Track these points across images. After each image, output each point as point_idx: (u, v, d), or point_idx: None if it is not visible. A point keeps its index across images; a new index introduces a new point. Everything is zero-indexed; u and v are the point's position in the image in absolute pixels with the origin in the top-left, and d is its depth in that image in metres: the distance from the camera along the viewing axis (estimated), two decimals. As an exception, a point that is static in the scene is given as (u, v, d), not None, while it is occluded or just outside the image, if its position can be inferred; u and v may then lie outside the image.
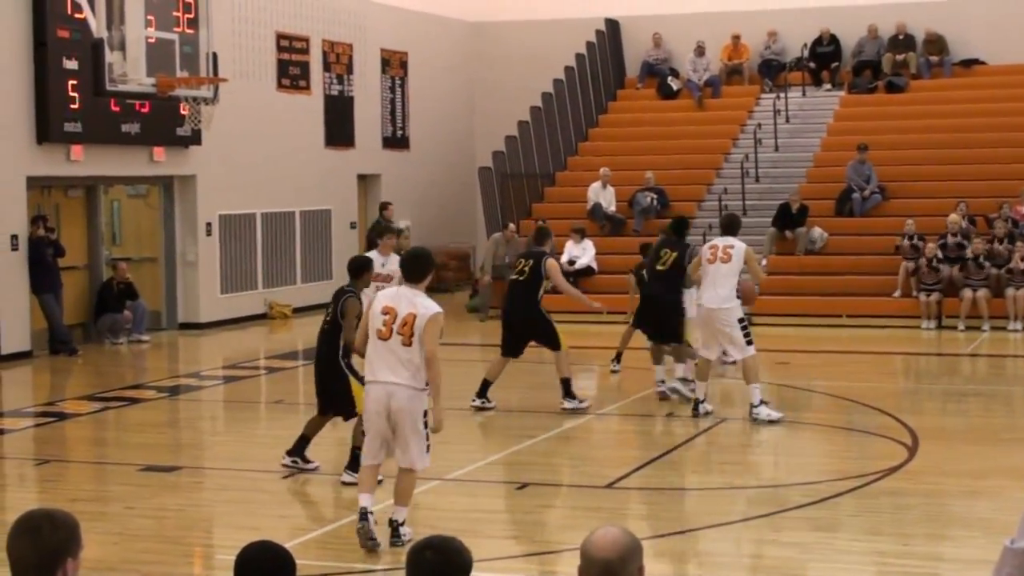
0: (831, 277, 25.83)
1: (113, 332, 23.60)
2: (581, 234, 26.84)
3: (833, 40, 32.02)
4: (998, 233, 25.09)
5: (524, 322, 16.39)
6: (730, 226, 15.83)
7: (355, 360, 12.14)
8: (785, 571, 10.26)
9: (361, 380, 11.33)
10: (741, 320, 15.22)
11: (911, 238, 25.37)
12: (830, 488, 12.34)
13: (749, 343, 15.19)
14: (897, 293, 25.06)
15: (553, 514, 11.94)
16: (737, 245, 15.35)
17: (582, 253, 26.94)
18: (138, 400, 18.04)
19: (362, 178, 30.49)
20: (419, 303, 10.15)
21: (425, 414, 10.25)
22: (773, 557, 10.59)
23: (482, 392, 16.59)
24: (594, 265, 26.82)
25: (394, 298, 10.28)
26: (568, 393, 16.33)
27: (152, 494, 12.38)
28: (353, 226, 29.94)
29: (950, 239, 25.10)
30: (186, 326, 25.29)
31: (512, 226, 27.89)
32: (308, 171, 28.26)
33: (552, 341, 16.30)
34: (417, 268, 10.41)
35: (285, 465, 13.16)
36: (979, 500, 11.99)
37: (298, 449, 13.19)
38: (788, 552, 10.61)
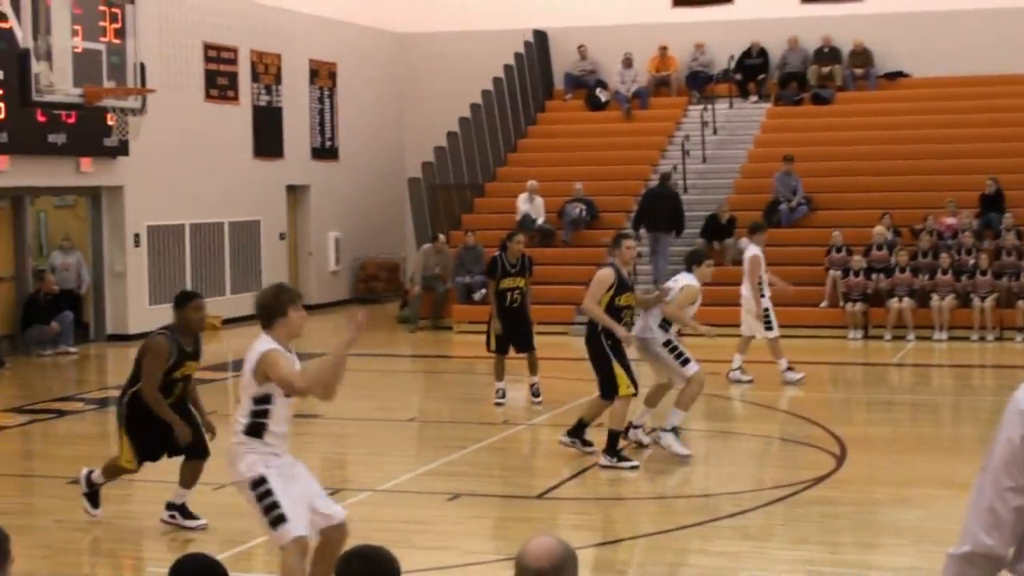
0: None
1: (40, 344, 23.37)
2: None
3: (762, 53, 32.18)
4: (922, 246, 25.34)
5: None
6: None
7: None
8: (716, 580, 10.25)
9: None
10: (667, 343, 14.14)
11: (839, 249, 25.58)
12: (760, 497, 12.39)
13: (686, 363, 14.04)
14: (824, 303, 25.22)
15: (484, 525, 11.86)
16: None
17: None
18: (66, 412, 17.87)
19: (291, 189, 30.33)
20: None
21: None
22: (703, 567, 10.58)
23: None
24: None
25: None
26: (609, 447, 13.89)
27: (81, 507, 12.04)
28: (282, 237, 29.80)
29: (875, 251, 25.35)
30: (114, 337, 25.04)
31: (442, 237, 27.82)
32: (237, 182, 28.07)
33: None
34: None
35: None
36: (907, 508, 12.02)
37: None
38: (718, 561, 10.60)
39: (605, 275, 13.68)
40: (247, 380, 8.36)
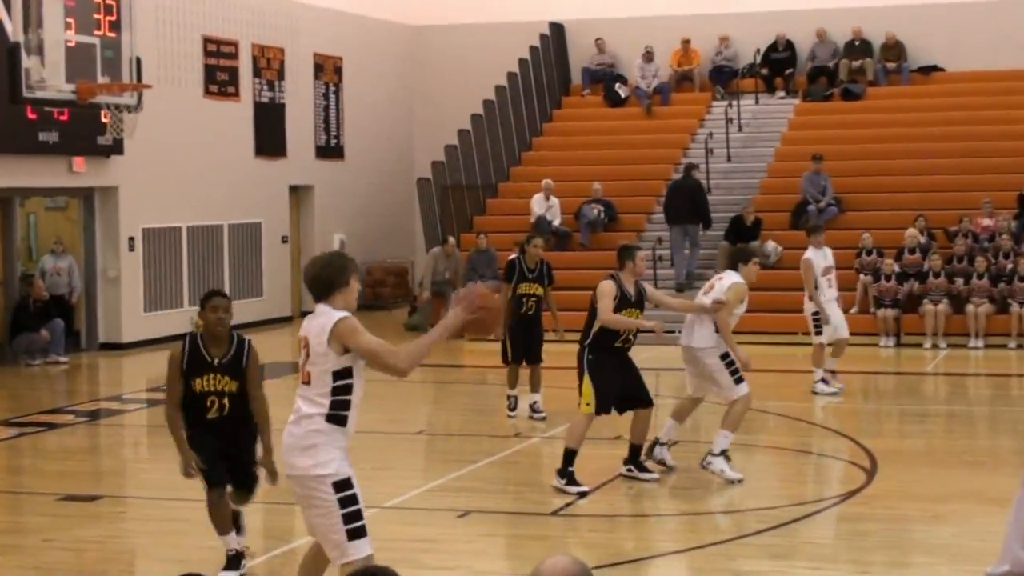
0: (785, 293, 25.17)
1: (29, 353, 23.10)
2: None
3: (789, 46, 31.93)
4: (957, 251, 25.03)
5: None
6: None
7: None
8: (741, 600, 10.17)
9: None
10: (724, 355, 13.51)
11: (870, 252, 25.22)
12: (786, 514, 12.17)
13: (739, 381, 13.49)
14: (854, 309, 24.71)
15: (495, 543, 11.72)
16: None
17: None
18: (56, 425, 17.76)
19: (294, 189, 30.09)
20: None
21: None
22: (728, 586, 10.41)
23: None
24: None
25: None
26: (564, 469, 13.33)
27: (71, 525, 12.11)
28: (285, 240, 29.58)
29: (907, 254, 25.05)
30: (107, 346, 24.89)
31: (452, 240, 27.58)
32: (237, 182, 27.76)
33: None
34: None
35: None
36: (941, 525, 11.85)
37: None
38: (744, 581, 10.46)
39: (607, 287, 13.12)
40: (321, 353, 7.46)
